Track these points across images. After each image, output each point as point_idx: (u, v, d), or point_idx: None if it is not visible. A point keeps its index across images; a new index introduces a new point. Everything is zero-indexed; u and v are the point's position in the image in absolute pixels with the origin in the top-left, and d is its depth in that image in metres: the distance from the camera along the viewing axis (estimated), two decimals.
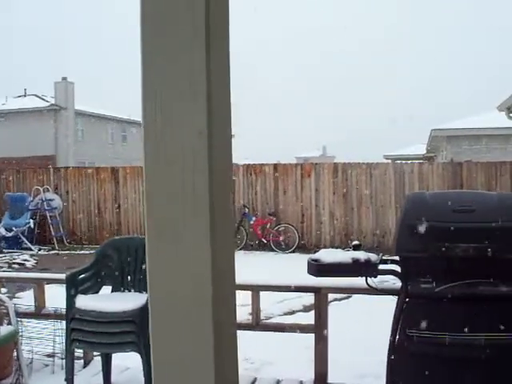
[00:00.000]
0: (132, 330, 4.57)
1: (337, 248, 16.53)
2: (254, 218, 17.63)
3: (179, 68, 1.03)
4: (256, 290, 5.28)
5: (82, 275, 5.14)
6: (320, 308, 4.99)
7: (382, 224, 17.05)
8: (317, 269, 4.07)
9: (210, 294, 0.98)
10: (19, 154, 41.32)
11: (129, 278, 5.32)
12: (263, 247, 17.46)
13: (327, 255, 4.20)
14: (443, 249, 3.65)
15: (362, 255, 4.15)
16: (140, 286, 5.17)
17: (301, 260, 13.41)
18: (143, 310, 4.42)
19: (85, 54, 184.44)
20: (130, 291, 5.29)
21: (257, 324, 5.15)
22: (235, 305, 1.13)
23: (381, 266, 4.07)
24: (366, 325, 8.10)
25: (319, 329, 4.92)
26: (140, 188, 18.95)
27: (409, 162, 20.34)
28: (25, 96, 50.00)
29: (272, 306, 10.01)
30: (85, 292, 5.04)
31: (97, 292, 5.26)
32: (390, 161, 24.62)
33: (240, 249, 17.25)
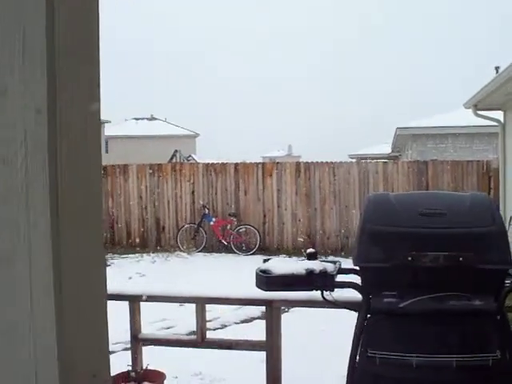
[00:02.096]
0: None
1: (298, 250, 16.19)
2: (213, 219, 17.12)
3: (8, 21, 0.75)
4: (201, 302, 4.74)
5: None
6: (272, 323, 4.47)
7: (346, 225, 16.62)
8: (266, 281, 3.59)
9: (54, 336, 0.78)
10: None
11: None
12: (224, 249, 16.96)
13: (278, 266, 3.71)
14: (409, 258, 3.21)
15: (316, 265, 3.67)
16: None
17: (260, 263, 12.94)
18: None
19: None
20: None
21: (202, 340, 4.60)
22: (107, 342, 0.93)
23: (339, 277, 3.61)
24: (322, 336, 7.64)
25: (271, 347, 4.41)
26: None
27: (373, 161, 19.92)
28: None
29: (229, 312, 9.51)
30: None
31: None
32: (354, 160, 24.24)
33: (199, 250, 16.82)
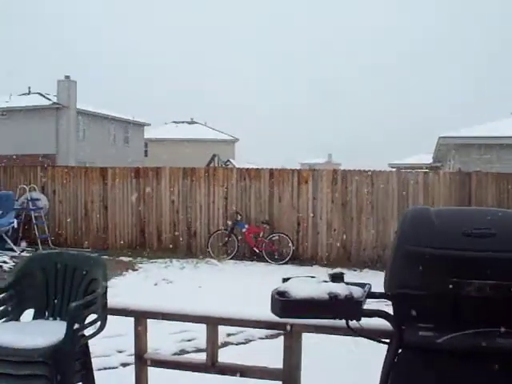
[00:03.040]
0: (43, 374, 3.55)
1: (333, 261, 15.63)
2: (246, 226, 16.61)
3: None
4: (212, 323, 4.24)
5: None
6: (290, 351, 3.94)
7: (383, 236, 15.96)
8: (281, 307, 3.09)
9: None
10: (20, 151, 41.02)
11: (55, 301, 4.30)
12: (255, 257, 16.43)
13: (297, 288, 3.21)
14: (451, 286, 2.68)
15: (341, 289, 3.16)
16: (75, 310, 4.12)
17: (293, 273, 12.38)
18: (58, 349, 3.42)
19: (89, 53, 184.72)
20: (55, 318, 4.27)
21: (212, 365, 4.10)
22: None
23: (368, 302, 3.10)
24: (349, 360, 7.07)
25: (288, 378, 3.88)
26: (129, 189, 18.03)
27: (413, 171, 19.21)
28: (29, 94, 49.69)
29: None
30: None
31: (17, 318, 4.24)
32: (394, 169, 23.56)
33: (230, 258, 16.33)
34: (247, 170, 17.62)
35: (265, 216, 16.70)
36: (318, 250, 16.39)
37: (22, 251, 17.45)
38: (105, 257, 16.52)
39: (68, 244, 18.48)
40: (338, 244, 16.27)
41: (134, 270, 14.68)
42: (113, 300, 4.44)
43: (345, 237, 16.25)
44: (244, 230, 16.63)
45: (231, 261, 16.11)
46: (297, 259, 16.08)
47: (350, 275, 14.55)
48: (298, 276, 3.61)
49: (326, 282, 3.48)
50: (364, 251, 16.07)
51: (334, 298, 3.03)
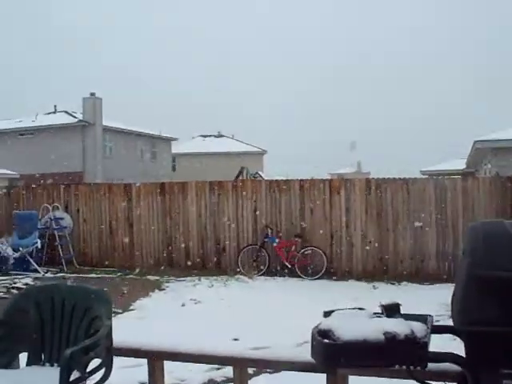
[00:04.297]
0: None
1: (369, 275, 14.90)
2: (277, 240, 15.91)
3: None
4: (240, 365, 3.54)
5: None
6: None
7: (422, 247, 15.17)
8: (326, 352, 2.41)
9: None
10: (48, 170, 41.02)
11: (53, 343, 3.63)
12: (287, 272, 15.69)
13: (345, 325, 2.54)
14: None
15: (400, 327, 2.47)
16: (71, 357, 3.42)
17: (329, 289, 11.58)
18: None
19: (115, 70, 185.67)
20: (52, 364, 3.60)
21: None
22: None
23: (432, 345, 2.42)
24: None
25: None
26: (154, 206, 17.46)
27: (450, 177, 18.35)
28: (55, 113, 49.77)
29: (292, 349, 8.21)
30: None
31: (7, 365, 3.58)
32: (427, 176, 22.69)
33: (261, 274, 15.63)
34: (276, 181, 16.97)
35: (296, 229, 15.99)
36: (353, 263, 15.62)
37: (46, 272, 16.98)
38: (131, 276, 16.02)
39: (93, 264, 17.97)
40: (374, 256, 15.50)
41: (161, 289, 14.05)
42: (121, 339, 3.78)
43: (381, 248, 15.48)
44: (275, 245, 15.94)
45: (262, 277, 15.42)
46: (331, 273, 15.34)
47: (388, 289, 13.83)
48: (343, 309, 2.94)
49: (378, 315, 2.79)
50: (401, 263, 15.28)
51: (391, 339, 2.35)
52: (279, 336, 8.97)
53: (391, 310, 2.70)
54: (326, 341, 2.42)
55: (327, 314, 2.89)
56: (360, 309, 2.87)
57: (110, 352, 3.50)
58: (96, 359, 3.47)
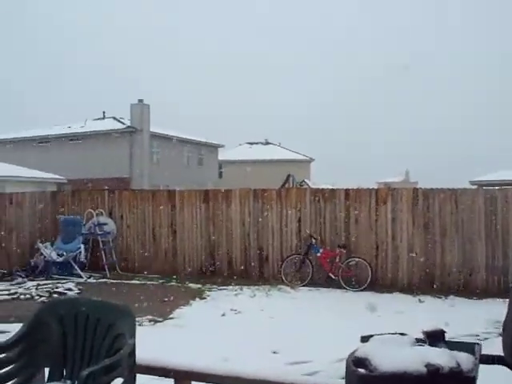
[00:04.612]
0: None
1: (414, 287, 14.49)
2: (321, 250, 15.59)
3: None
4: None
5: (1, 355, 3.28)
6: None
7: (470, 260, 14.72)
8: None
9: None
10: (95, 175, 41.40)
11: (74, 359, 3.43)
12: (331, 283, 15.35)
13: (384, 354, 2.28)
14: None
15: (444, 357, 2.21)
16: (89, 378, 3.20)
17: (375, 302, 11.20)
18: None
19: (162, 77, 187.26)
20: (73, 382, 3.40)
21: None
22: None
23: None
24: None
25: None
26: (198, 213, 17.32)
27: (502, 187, 17.73)
28: (103, 118, 50.30)
29: (328, 365, 7.92)
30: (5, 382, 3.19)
31: (27, 381, 3.39)
32: (476, 186, 22.12)
33: (304, 284, 15.32)
34: (321, 190, 16.69)
35: (341, 239, 15.65)
36: (399, 275, 15.22)
37: (88, 277, 16.95)
38: (173, 283, 15.89)
39: (135, 270, 17.91)
40: (420, 268, 15.07)
41: (202, 298, 13.86)
42: (146, 355, 3.57)
43: (427, 260, 15.05)
44: (319, 255, 15.62)
45: (305, 288, 15.11)
46: (375, 285, 14.96)
47: (434, 303, 13.43)
48: (382, 334, 2.68)
49: (420, 342, 2.53)
50: (449, 276, 14.82)
51: (434, 372, 2.09)
52: (320, 350, 8.72)
53: (435, 338, 2.45)
54: (362, 371, 2.19)
55: (365, 338, 2.64)
56: (401, 334, 2.62)
57: (132, 371, 3.29)
58: (118, 378, 3.27)
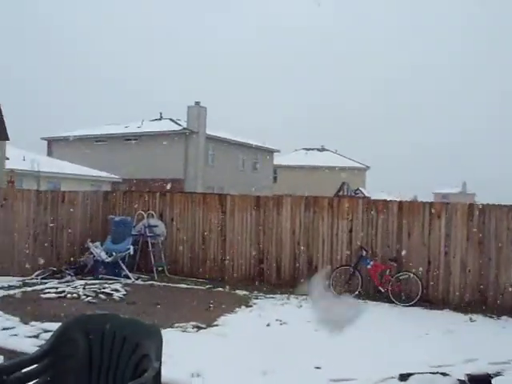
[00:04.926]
0: None
1: (466, 305, 14.04)
2: (371, 263, 15.26)
3: None
4: None
5: (25, 369, 3.16)
6: None
7: None
8: None
9: None
10: (149, 175, 41.72)
11: (99, 378, 3.29)
12: (380, 296, 15.02)
13: None
14: None
15: None
16: None
17: (421, 319, 10.87)
18: None
19: (221, 79, 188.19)
20: None
21: None
22: None
23: None
24: None
25: None
26: (248, 218, 17.18)
27: None
28: (160, 119, 50.70)
29: None
30: None
31: None
32: None
33: (353, 296, 15.01)
34: (374, 201, 16.37)
35: (392, 252, 15.30)
36: (450, 291, 14.75)
37: (136, 279, 16.97)
38: (220, 289, 15.78)
39: (184, 273, 17.87)
40: (473, 286, 14.62)
41: (248, 306, 13.67)
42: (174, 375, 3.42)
43: (480, 278, 14.59)
44: (369, 267, 15.29)
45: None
46: (425, 301, 14.57)
47: (486, 323, 13.03)
48: (423, 373, 2.48)
49: None
50: (502, 296, 14.32)
51: None
52: (364, 367, 8.46)
53: (479, 383, 2.24)
54: None
55: (404, 377, 2.45)
56: (443, 374, 2.42)
57: None
58: None
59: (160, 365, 3.10)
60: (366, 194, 47.71)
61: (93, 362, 3.37)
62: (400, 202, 15.70)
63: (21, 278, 16.24)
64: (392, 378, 8.00)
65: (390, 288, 14.87)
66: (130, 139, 46.95)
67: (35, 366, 3.28)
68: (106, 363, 3.34)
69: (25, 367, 3.21)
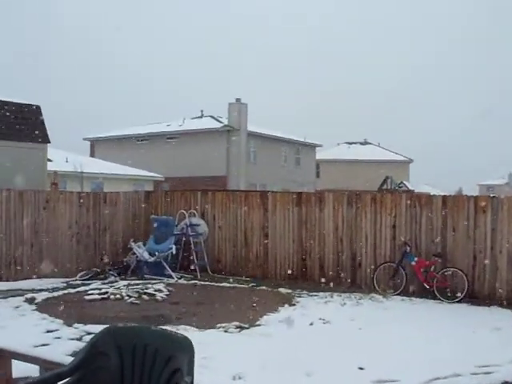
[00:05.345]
0: None
1: None
2: (415, 259, 15.01)
3: None
4: None
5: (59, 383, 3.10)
6: None
7: None
8: None
9: None
10: (191, 173, 41.78)
11: None
12: (425, 293, 14.76)
13: None
14: None
15: None
16: None
17: (468, 315, 10.59)
18: None
19: (259, 76, 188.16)
20: None
21: None
22: None
23: None
24: None
25: None
26: (290, 216, 17.05)
27: None
28: (201, 117, 50.69)
29: None
30: None
31: None
32: None
33: (397, 293, 14.81)
34: (417, 196, 16.15)
35: (437, 248, 15.02)
36: (497, 287, 14.37)
37: (179, 278, 16.99)
38: (263, 287, 15.69)
39: (226, 272, 17.83)
40: None
41: (291, 304, 13.53)
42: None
43: None
44: (413, 263, 15.03)
45: (398, 297, 14.59)
46: (472, 298, 14.26)
47: None
48: None
49: None
50: None
51: None
52: (408, 368, 8.30)
53: None
54: None
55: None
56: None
57: None
58: None
59: (192, 380, 3.01)
60: (410, 188, 47.22)
61: (124, 375, 3.30)
62: (444, 196, 15.43)
63: (65, 280, 16.40)
64: (437, 379, 7.84)
65: (435, 284, 14.61)
66: (172, 138, 47.10)
67: (68, 380, 3.23)
68: (137, 377, 3.26)
69: (56, 381, 3.16)
